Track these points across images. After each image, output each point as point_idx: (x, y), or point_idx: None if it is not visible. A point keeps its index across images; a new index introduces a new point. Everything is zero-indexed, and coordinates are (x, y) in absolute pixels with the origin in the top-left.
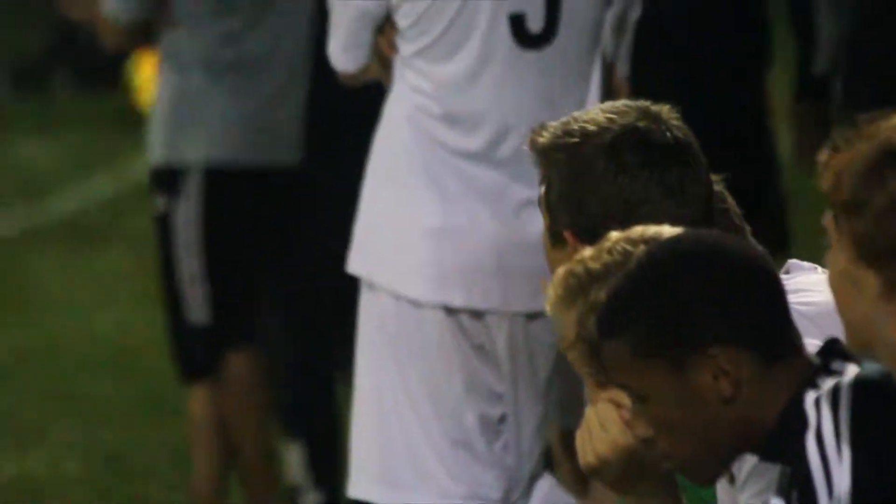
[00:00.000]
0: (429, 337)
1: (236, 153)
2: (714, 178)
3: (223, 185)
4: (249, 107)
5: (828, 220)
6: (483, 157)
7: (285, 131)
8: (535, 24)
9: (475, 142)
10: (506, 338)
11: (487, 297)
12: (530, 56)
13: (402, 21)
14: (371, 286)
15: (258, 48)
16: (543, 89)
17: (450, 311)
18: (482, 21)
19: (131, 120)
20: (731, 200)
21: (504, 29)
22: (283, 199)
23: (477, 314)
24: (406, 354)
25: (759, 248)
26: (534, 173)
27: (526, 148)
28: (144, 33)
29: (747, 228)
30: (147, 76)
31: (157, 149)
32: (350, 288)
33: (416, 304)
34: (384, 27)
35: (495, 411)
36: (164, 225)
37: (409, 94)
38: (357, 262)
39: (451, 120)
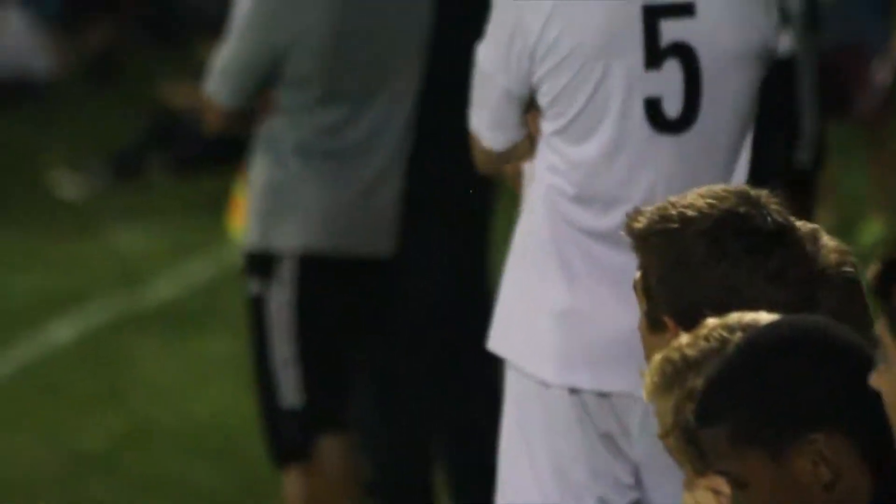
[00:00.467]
0: (555, 419)
1: (331, 241)
2: (845, 250)
3: (317, 271)
4: (345, 195)
5: (881, 330)
6: (613, 238)
7: (380, 220)
8: (672, 108)
9: (606, 222)
10: (639, 421)
11: (615, 379)
12: (667, 140)
13: (541, 100)
14: (509, 365)
15: (358, 138)
16: (681, 174)
17: (577, 393)
18: (616, 104)
19: (226, 205)
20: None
21: (639, 113)
22: (377, 284)
23: (605, 398)
24: (535, 435)
25: (872, 332)
26: None
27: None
28: (245, 118)
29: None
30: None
31: (251, 233)
32: (445, 374)
33: (544, 384)
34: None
35: (621, 500)
36: (257, 309)
37: (545, 174)
38: (495, 341)
39: (583, 201)
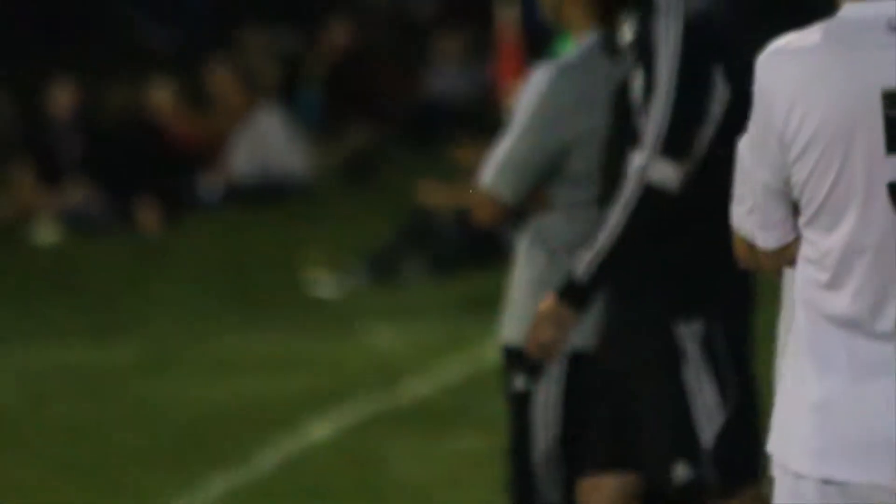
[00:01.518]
0: None
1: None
2: None
3: (585, 369)
4: None
5: None
6: (867, 325)
7: None
8: None
9: (857, 308)
10: None
11: (873, 470)
12: None
13: (794, 192)
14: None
15: None
16: None
17: (831, 485)
18: (859, 189)
19: (480, 306)
20: None
21: (883, 198)
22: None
23: (862, 491)
24: None
25: None
26: None
27: None
28: (518, 213)
29: None
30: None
31: (519, 328)
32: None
33: (798, 476)
34: None
35: None
36: (521, 405)
37: (800, 266)
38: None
39: (835, 287)
